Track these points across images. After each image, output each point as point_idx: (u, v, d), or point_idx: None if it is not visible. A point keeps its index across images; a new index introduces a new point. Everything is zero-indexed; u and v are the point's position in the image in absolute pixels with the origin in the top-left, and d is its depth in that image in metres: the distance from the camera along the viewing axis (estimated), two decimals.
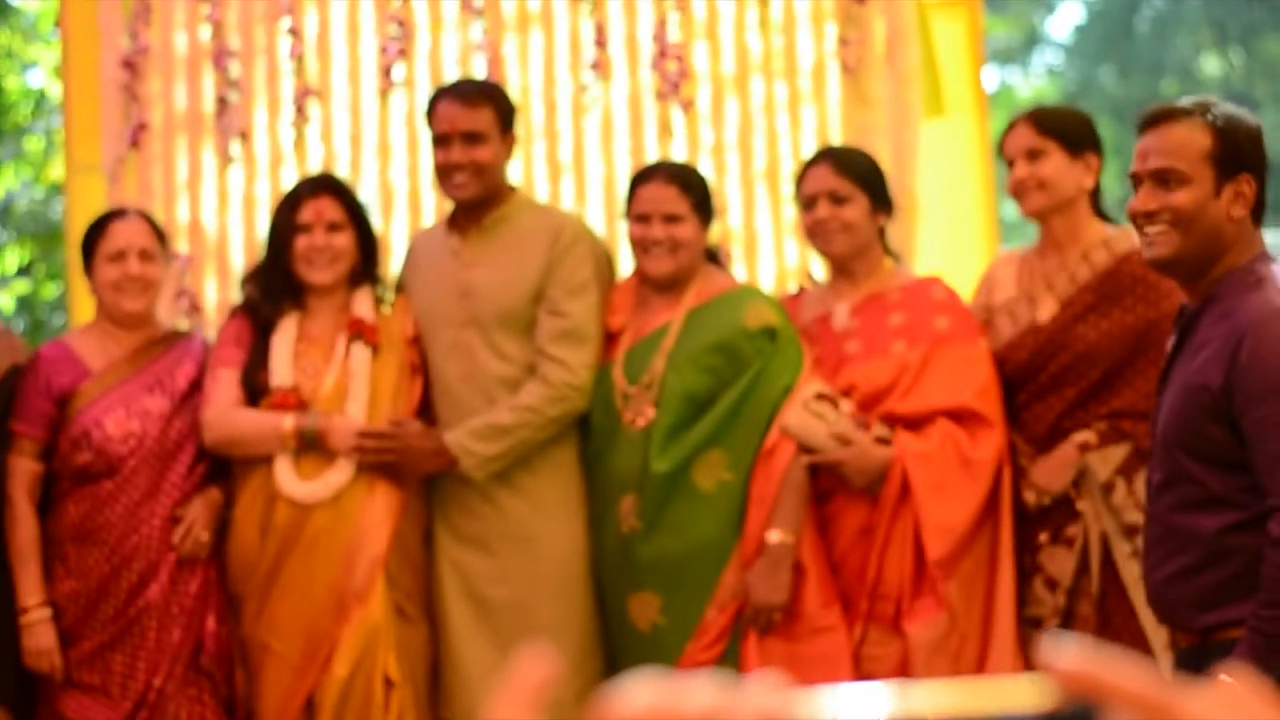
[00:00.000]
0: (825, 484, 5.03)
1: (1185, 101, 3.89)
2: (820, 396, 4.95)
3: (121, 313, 5.33)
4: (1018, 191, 5.14)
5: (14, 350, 5.44)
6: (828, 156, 5.30)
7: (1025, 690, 0.96)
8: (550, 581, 5.21)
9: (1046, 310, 5.05)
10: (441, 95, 5.42)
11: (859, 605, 4.93)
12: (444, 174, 5.35)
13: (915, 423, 4.99)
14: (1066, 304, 5.02)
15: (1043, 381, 5.01)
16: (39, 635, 5.12)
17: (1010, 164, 5.18)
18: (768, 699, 0.99)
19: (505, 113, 5.39)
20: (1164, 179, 3.82)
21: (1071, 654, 0.92)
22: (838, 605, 4.99)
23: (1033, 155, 5.09)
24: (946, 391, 4.99)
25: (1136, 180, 3.90)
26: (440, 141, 5.32)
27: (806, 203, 5.22)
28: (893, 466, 4.90)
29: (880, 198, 5.22)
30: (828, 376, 5.07)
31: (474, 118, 5.28)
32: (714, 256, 5.41)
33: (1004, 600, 4.92)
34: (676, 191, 5.18)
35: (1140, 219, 3.87)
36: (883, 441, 4.94)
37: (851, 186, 5.15)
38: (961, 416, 4.97)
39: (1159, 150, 3.85)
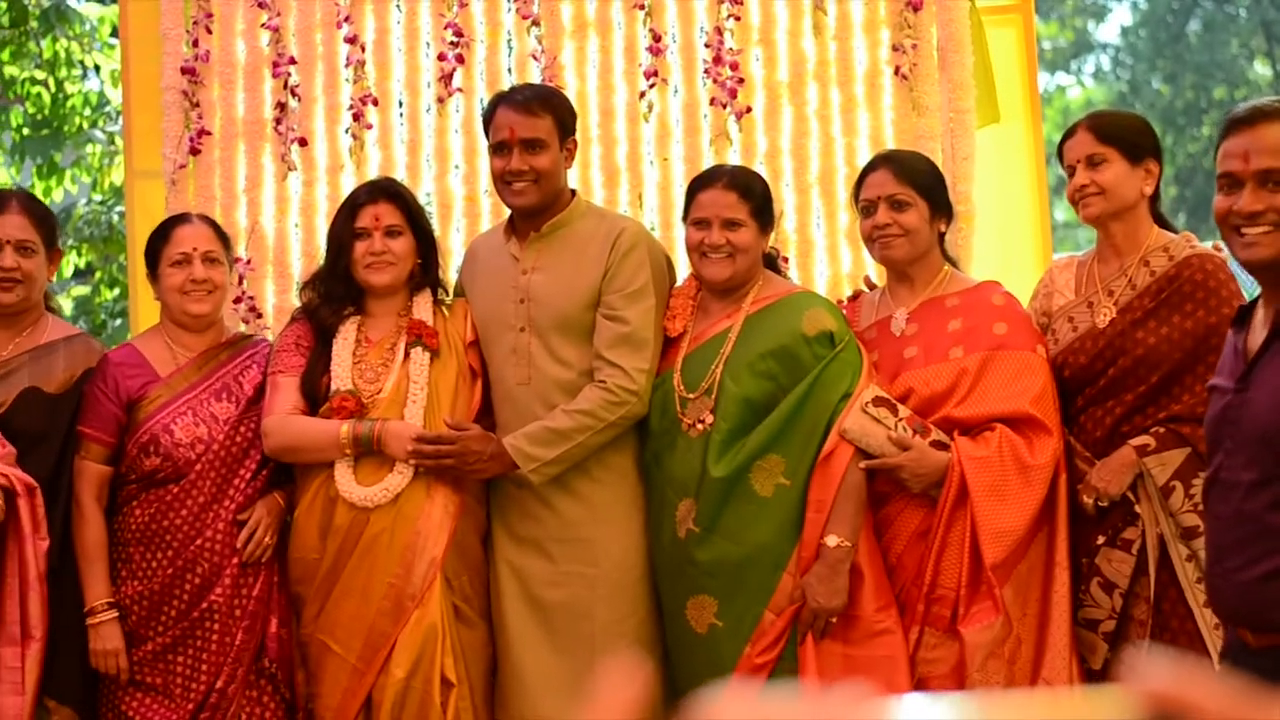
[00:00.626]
0: (882, 488, 5.05)
1: (1273, 101, 3.82)
2: (879, 401, 4.96)
3: (188, 317, 5.36)
4: (1077, 198, 5.15)
5: (90, 355, 5.47)
6: (887, 161, 5.29)
7: (1110, 704, 0.97)
8: (606, 584, 5.23)
9: (1105, 315, 5.05)
10: (500, 101, 5.41)
11: (915, 608, 4.95)
12: (503, 181, 5.34)
13: (973, 428, 5.00)
14: (1125, 309, 5.03)
15: (1101, 386, 5.02)
16: (105, 635, 5.17)
17: (1069, 170, 5.18)
18: (854, 709, 1.01)
19: (565, 119, 5.39)
20: (1270, 179, 3.74)
21: (1158, 671, 0.93)
22: (894, 609, 5.01)
23: (1092, 162, 5.09)
24: (1004, 397, 4.99)
25: (1230, 181, 3.79)
26: (499, 148, 5.33)
27: (865, 208, 5.23)
28: (950, 470, 4.91)
29: (939, 203, 5.22)
30: (886, 381, 5.09)
31: (533, 125, 5.28)
32: (773, 262, 5.42)
33: (1059, 604, 4.92)
34: (736, 197, 5.19)
35: (1238, 219, 3.76)
36: (940, 446, 4.95)
37: (911, 192, 5.15)
38: (1019, 422, 4.97)
39: (1267, 150, 3.74)
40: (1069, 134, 5.20)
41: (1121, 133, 5.13)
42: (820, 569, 4.93)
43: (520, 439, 5.15)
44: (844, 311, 5.38)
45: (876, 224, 5.17)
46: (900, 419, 4.95)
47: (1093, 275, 5.19)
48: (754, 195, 5.22)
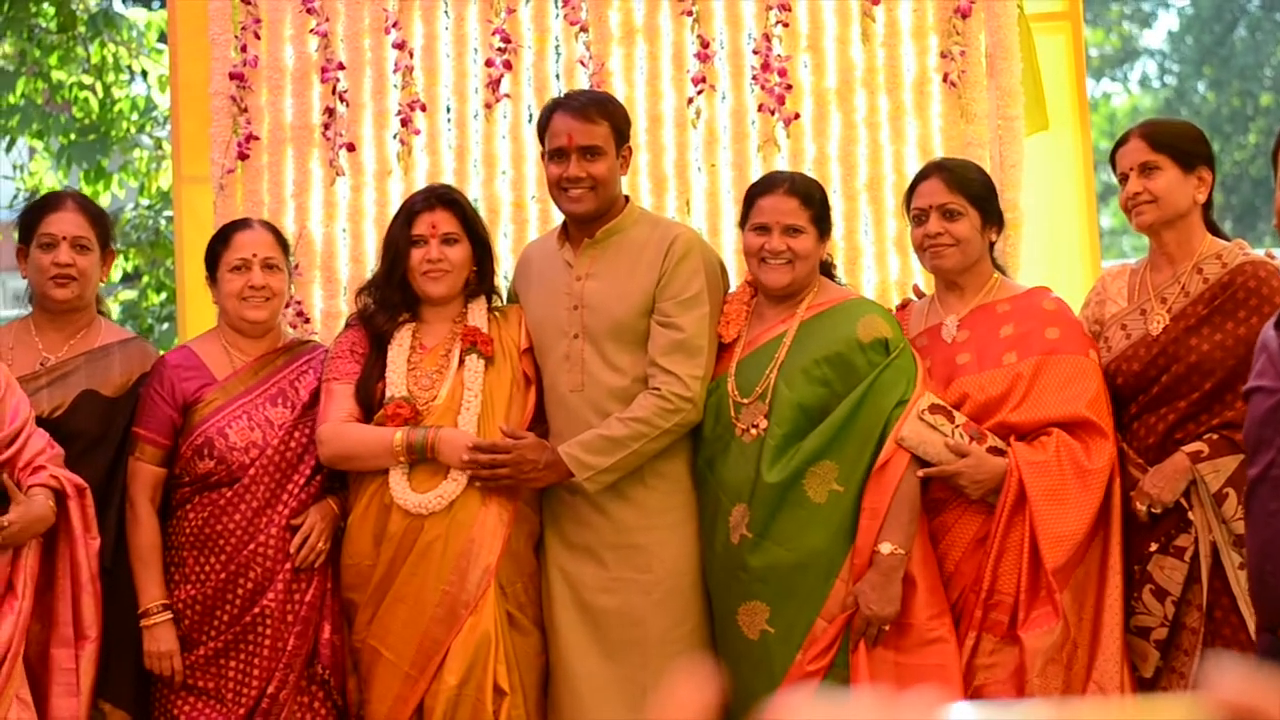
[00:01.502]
0: (938, 495, 5.04)
1: None
2: (935, 408, 4.96)
3: (246, 322, 5.39)
4: (1129, 205, 5.15)
5: (145, 359, 5.51)
6: (939, 170, 5.28)
7: (1183, 712, 0.96)
8: (658, 590, 5.23)
9: (1159, 322, 5.04)
10: (557, 107, 5.40)
11: (973, 614, 4.94)
12: (559, 187, 5.35)
13: (1028, 433, 5.00)
14: (1179, 316, 5.02)
15: (1154, 393, 5.02)
16: (160, 637, 5.19)
17: (1122, 178, 5.18)
18: (926, 713, 1.01)
19: (621, 126, 5.39)
20: None
21: (1232, 679, 0.92)
22: (948, 617, 5.00)
23: (1145, 170, 5.09)
24: (1059, 402, 4.99)
25: None
26: (556, 155, 5.33)
27: (917, 216, 5.24)
28: (1008, 476, 4.90)
29: (990, 212, 5.22)
30: (939, 387, 5.09)
31: (591, 132, 5.28)
32: (827, 269, 5.41)
33: (1113, 610, 4.92)
34: (798, 204, 5.18)
35: None
36: (996, 452, 4.95)
37: (963, 201, 5.15)
38: (1075, 427, 4.96)
39: None
40: (1122, 141, 5.21)
41: (1174, 141, 5.12)
42: (874, 576, 4.93)
43: (575, 447, 5.15)
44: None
45: (928, 233, 5.17)
46: (956, 426, 4.95)
47: (1145, 283, 5.18)
48: (814, 202, 5.22)
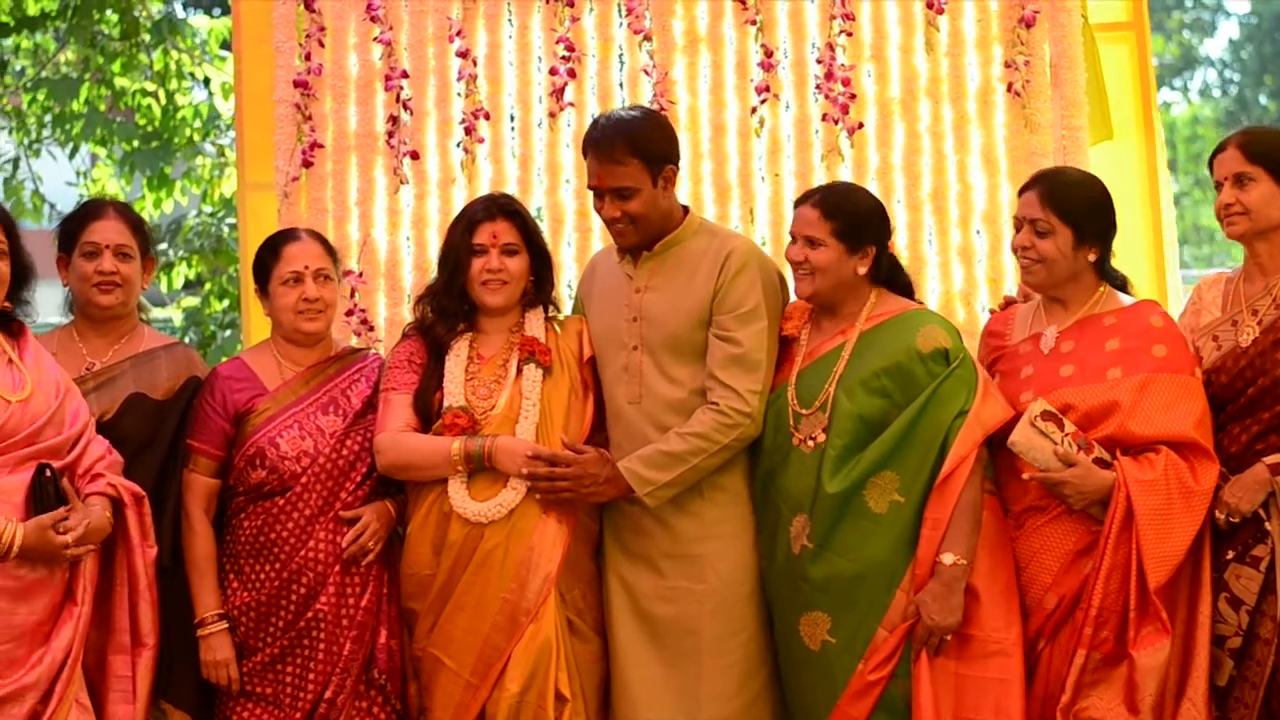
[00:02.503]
0: (1037, 502, 5.02)
1: None
2: (1047, 415, 4.91)
3: (300, 334, 5.40)
4: (1222, 215, 5.15)
5: (191, 363, 5.54)
6: (1041, 182, 5.21)
7: None
8: (713, 600, 5.22)
9: (1249, 334, 5.03)
10: (587, 146, 5.37)
11: (1083, 631, 4.87)
12: (605, 222, 5.38)
13: (1134, 448, 4.95)
14: (1268, 329, 5.00)
15: (1241, 404, 5.00)
16: (216, 646, 5.22)
17: (1218, 185, 5.17)
18: None
19: (655, 152, 5.28)
20: None
21: None
22: (1015, 630, 4.98)
23: (1239, 181, 5.08)
24: (1167, 421, 4.93)
25: None
26: (594, 192, 5.34)
27: (1016, 223, 5.21)
28: (1116, 492, 4.86)
29: (1089, 230, 5.12)
30: (1040, 397, 5.01)
31: (618, 174, 5.24)
32: (892, 278, 5.33)
33: (1204, 625, 4.91)
34: (818, 216, 5.17)
35: None
36: (1102, 464, 4.91)
37: (1055, 219, 5.08)
38: (1182, 447, 4.91)
39: None
40: (1220, 149, 5.20)
41: (1271, 152, 5.10)
42: (935, 587, 4.92)
43: (635, 462, 5.16)
44: (996, 322, 5.43)
45: (1019, 243, 5.16)
46: (1066, 434, 4.90)
47: (1239, 293, 5.17)
48: (839, 215, 5.18)
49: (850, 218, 5.19)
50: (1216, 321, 5.16)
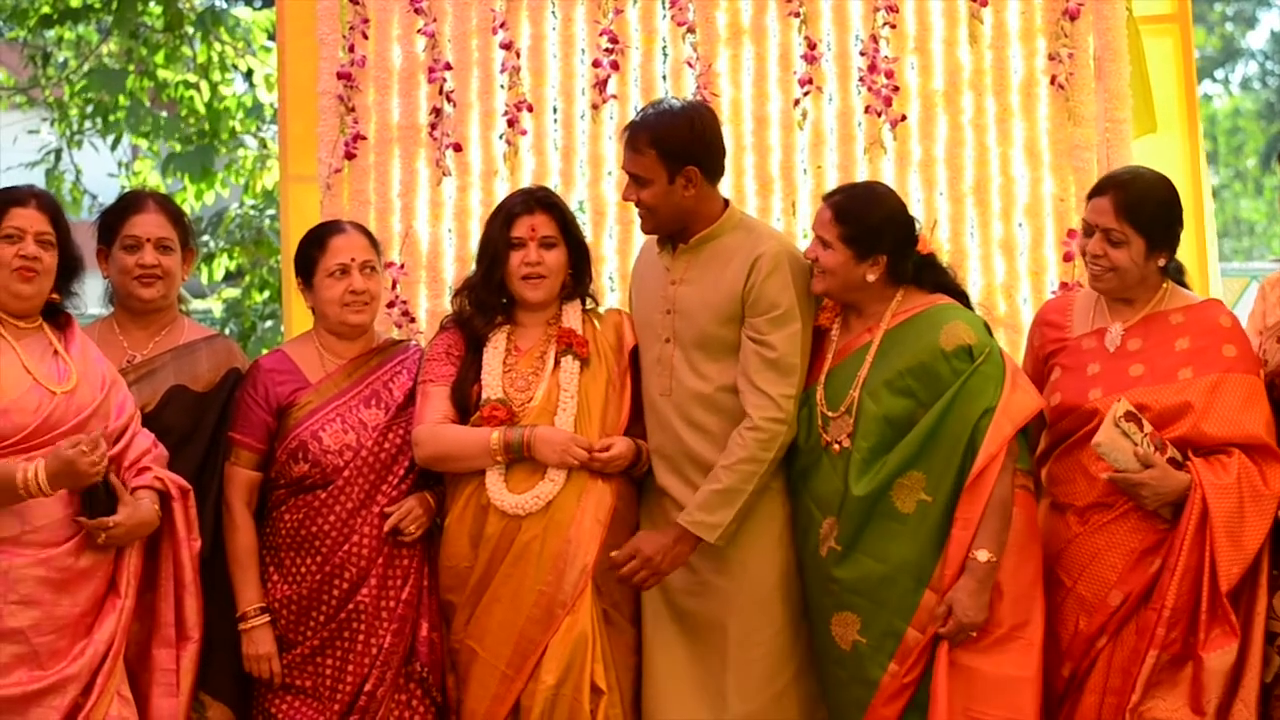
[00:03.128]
0: (1105, 498, 5.00)
1: None
2: (1129, 415, 4.87)
3: (347, 327, 5.42)
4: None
5: (231, 355, 5.56)
6: (1115, 189, 5.12)
7: None
8: (740, 597, 5.23)
9: None
10: (625, 132, 5.43)
11: (1155, 632, 4.85)
12: None
13: (1205, 449, 4.93)
14: None
15: None
16: (258, 640, 5.24)
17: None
18: None
19: (675, 150, 5.25)
20: None
21: None
22: (1034, 627, 4.97)
23: None
24: (1239, 422, 4.92)
25: None
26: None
27: (1085, 228, 5.15)
28: (1192, 494, 4.84)
29: (1160, 237, 5.08)
30: (1110, 396, 4.99)
31: (635, 161, 5.27)
32: (919, 274, 5.27)
33: (1259, 625, 4.90)
34: (830, 217, 5.17)
35: None
36: (1175, 465, 4.89)
37: (1129, 229, 5.02)
38: (1253, 449, 4.91)
39: None
40: None
41: None
42: (969, 583, 4.92)
43: (695, 513, 5.13)
44: (1055, 308, 5.41)
45: (1090, 251, 5.10)
46: (1145, 434, 4.88)
47: None
48: (849, 221, 5.15)
49: (859, 225, 5.14)
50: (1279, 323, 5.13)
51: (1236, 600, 4.87)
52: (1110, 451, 4.86)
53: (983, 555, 4.90)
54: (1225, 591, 4.79)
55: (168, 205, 5.51)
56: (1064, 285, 6.26)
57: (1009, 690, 4.94)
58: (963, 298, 5.33)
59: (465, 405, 5.29)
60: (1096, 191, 5.17)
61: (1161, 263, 5.11)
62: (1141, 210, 5.05)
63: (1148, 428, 4.89)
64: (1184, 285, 5.28)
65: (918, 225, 5.32)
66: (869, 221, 5.16)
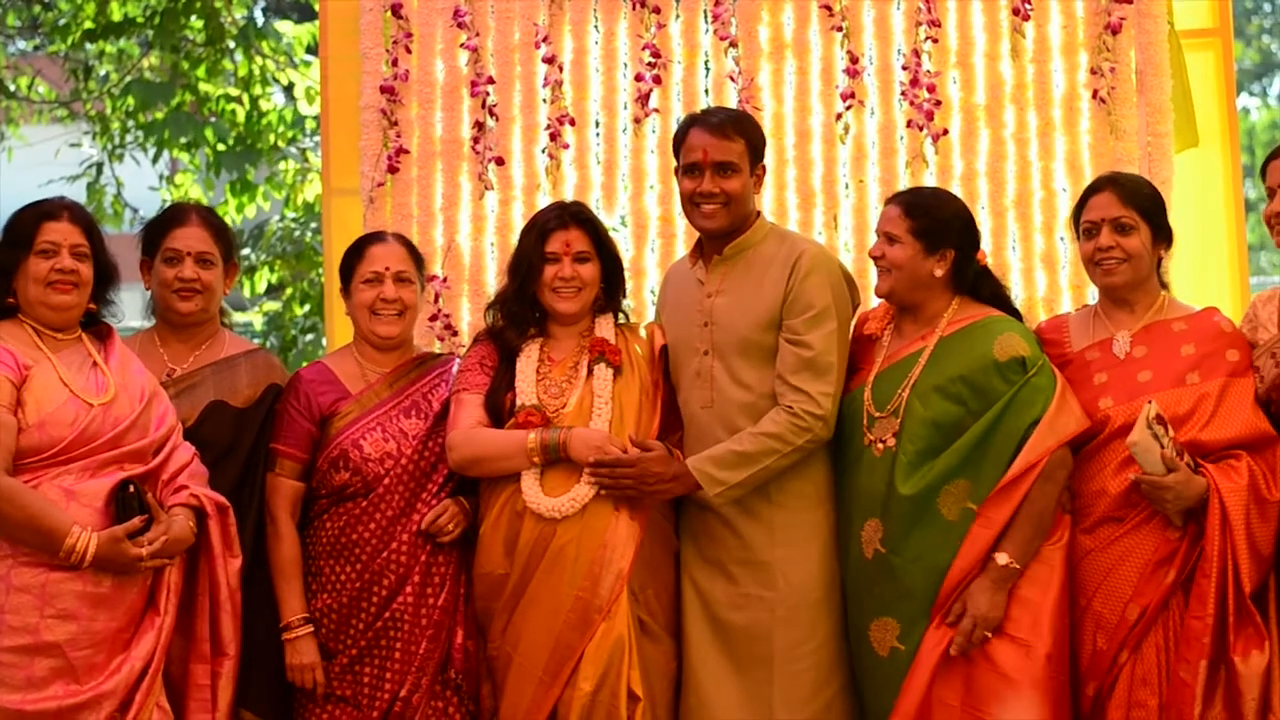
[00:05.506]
0: (1115, 512, 4.99)
1: None
2: (1159, 418, 4.86)
3: (376, 336, 5.44)
4: (1274, 223, 5.10)
5: (272, 370, 5.57)
6: (1112, 184, 5.22)
7: None
8: (784, 607, 5.22)
9: None
10: (693, 124, 5.43)
11: (1201, 641, 4.82)
12: (692, 203, 5.37)
13: (1214, 453, 4.94)
14: None
15: None
16: (302, 650, 5.25)
17: (1271, 191, 5.11)
18: None
19: (757, 144, 5.40)
20: None
21: None
22: (1042, 640, 4.94)
23: None
24: (1249, 421, 4.95)
25: None
26: (690, 170, 5.35)
27: (1088, 230, 5.19)
28: (1211, 498, 4.85)
29: (1160, 227, 5.18)
30: (1121, 403, 5.02)
31: (726, 148, 5.29)
32: (977, 285, 5.31)
33: (1274, 630, 4.89)
34: (899, 212, 5.21)
35: None
36: (1194, 470, 4.89)
37: (1135, 215, 5.11)
38: (1261, 447, 4.92)
39: None
40: (1276, 154, 5.12)
41: None
42: (985, 582, 4.93)
43: (705, 462, 5.17)
44: (1050, 328, 5.39)
45: (1100, 246, 5.13)
46: (1170, 437, 4.88)
47: None
48: (918, 214, 5.20)
49: (929, 218, 5.20)
50: (1275, 339, 5.10)
51: (1259, 604, 4.88)
52: (1143, 453, 4.85)
53: (1002, 558, 4.91)
54: (1249, 592, 4.81)
55: (210, 219, 5.52)
56: None
57: (1000, 690, 4.92)
58: (1015, 313, 5.34)
59: (499, 413, 5.30)
60: (1092, 192, 5.25)
61: (1163, 254, 5.20)
62: (1142, 197, 5.17)
63: (1171, 431, 4.89)
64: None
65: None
66: (939, 215, 5.23)
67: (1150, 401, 4.88)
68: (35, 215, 4.96)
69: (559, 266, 5.33)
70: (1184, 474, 4.84)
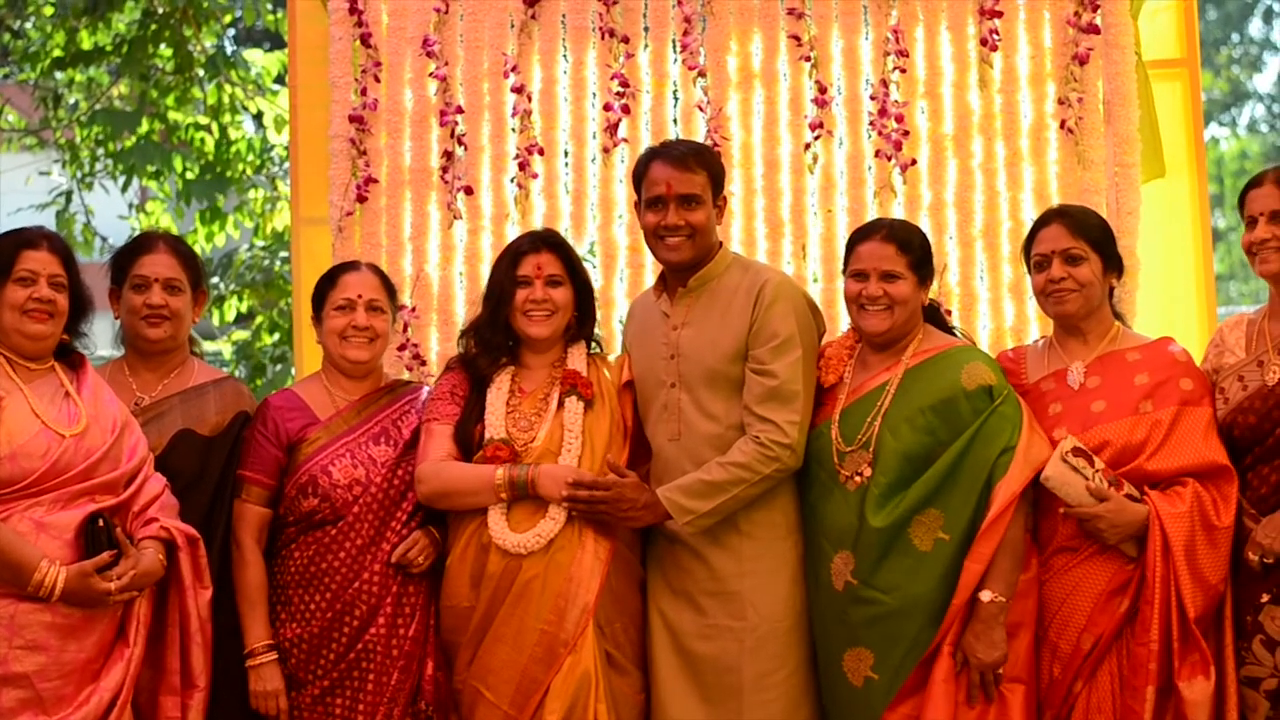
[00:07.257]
0: (1066, 543, 5.02)
1: None
2: (1077, 451, 4.93)
3: (347, 362, 5.44)
4: (1254, 250, 5.10)
5: (240, 398, 5.55)
6: (1060, 216, 5.27)
7: None
8: (753, 637, 5.21)
9: (1275, 373, 4.99)
10: (654, 156, 5.43)
11: (1148, 668, 4.84)
12: (657, 236, 5.37)
13: (1162, 481, 4.97)
14: None
15: (1269, 444, 4.96)
16: (266, 677, 5.22)
17: (1250, 221, 5.12)
18: None
19: (717, 175, 5.42)
20: None
21: None
22: (1019, 662, 4.99)
23: (1276, 217, 5.04)
24: (1198, 449, 4.97)
25: None
26: (654, 203, 5.35)
27: (1039, 262, 5.23)
28: (1151, 525, 4.87)
29: (1110, 257, 5.22)
30: (1075, 433, 5.03)
31: (690, 180, 5.30)
32: (935, 315, 5.40)
33: (1229, 659, 4.91)
34: (895, 250, 5.20)
35: None
36: (1133, 499, 4.92)
37: (1085, 246, 5.15)
38: (1210, 475, 4.94)
39: None
40: (1255, 183, 5.15)
41: None
42: (977, 626, 4.94)
43: (674, 491, 5.16)
44: (1004, 363, 5.36)
45: (1051, 278, 5.17)
46: (1096, 470, 4.92)
47: (1264, 332, 5.13)
48: (912, 248, 5.23)
49: (922, 251, 5.26)
50: (1241, 362, 5.12)
51: (1207, 636, 4.89)
52: (1060, 486, 4.92)
53: (986, 595, 4.93)
54: (1194, 618, 4.82)
55: (178, 246, 5.51)
56: None
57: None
58: (968, 340, 5.43)
59: (468, 445, 5.29)
60: (1041, 225, 5.30)
61: (1113, 284, 5.25)
62: (1090, 228, 5.22)
63: (1098, 463, 4.93)
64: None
65: None
66: (925, 246, 5.31)
67: (1067, 436, 4.95)
68: (14, 243, 4.94)
69: (530, 290, 5.34)
70: (1116, 502, 4.88)
